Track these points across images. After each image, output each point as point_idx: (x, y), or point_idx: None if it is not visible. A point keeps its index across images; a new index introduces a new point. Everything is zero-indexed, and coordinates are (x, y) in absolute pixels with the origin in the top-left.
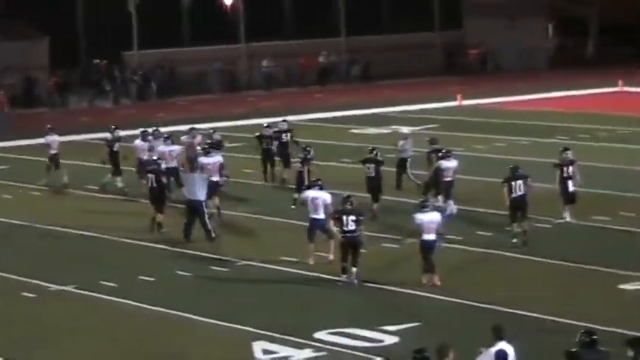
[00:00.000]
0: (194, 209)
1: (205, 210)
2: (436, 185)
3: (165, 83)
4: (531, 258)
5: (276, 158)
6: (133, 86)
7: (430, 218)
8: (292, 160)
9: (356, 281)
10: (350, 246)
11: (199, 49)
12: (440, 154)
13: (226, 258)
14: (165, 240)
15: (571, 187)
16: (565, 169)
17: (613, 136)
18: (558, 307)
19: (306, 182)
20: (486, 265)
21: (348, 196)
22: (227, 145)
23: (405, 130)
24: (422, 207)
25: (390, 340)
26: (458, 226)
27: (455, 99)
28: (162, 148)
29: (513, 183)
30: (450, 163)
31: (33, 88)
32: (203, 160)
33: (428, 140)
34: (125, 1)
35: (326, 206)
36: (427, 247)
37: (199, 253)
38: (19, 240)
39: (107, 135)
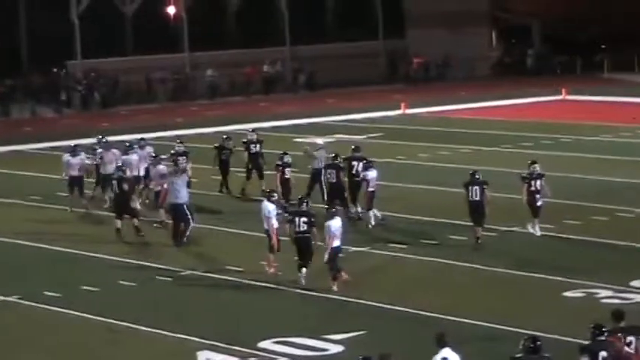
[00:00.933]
0: (178, 212)
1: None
2: (353, 194)
3: (108, 93)
4: (475, 266)
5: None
6: (76, 96)
7: (338, 225)
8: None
9: (304, 281)
10: (302, 246)
11: (143, 58)
12: (363, 162)
13: (170, 267)
14: (107, 250)
15: (539, 202)
16: (533, 182)
17: (556, 144)
18: (503, 314)
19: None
20: (432, 274)
21: (302, 198)
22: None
23: (320, 140)
24: (331, 215)
25: (335, 348)
26: (402, 235)
27: (399, 107)
28: (125, 157)
29: (471, 187)
30: (372, 173)
31: None
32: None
33: (352, 148)
34: (68, 10)
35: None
36: (336, 254)
37: (143, 263)
38: None
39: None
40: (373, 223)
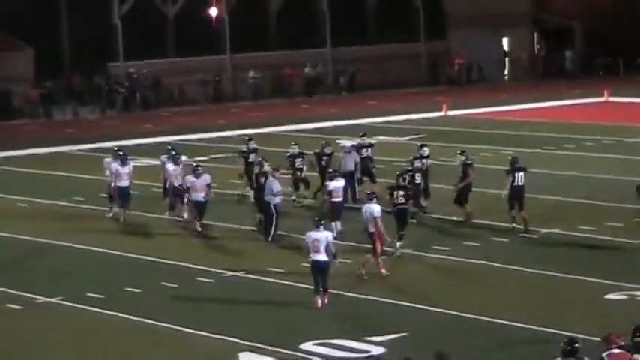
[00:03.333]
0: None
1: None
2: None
3: (150, 94)
4: (517, 267)
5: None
6: (118, 97)
7: (316, 236)
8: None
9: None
10: (400, 216)
11: (185, 60)
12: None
13: (211, 269)
14: (147, 252)
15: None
16: (517, 175)
17: (598, 146)
18: (545, 317)
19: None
20: (474, 276)
21: (400, 174)
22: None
23: (348, 143)
24: (316, 225)
25: (376, 350)
26: (445, 237)
27: (440, 109)
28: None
29: (516, 174)
30: (338, 183)
31: (10, 99)
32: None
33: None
34: (110, 13)
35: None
36: (315, 267)
37: (184, 264)
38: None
39: (241, 147)
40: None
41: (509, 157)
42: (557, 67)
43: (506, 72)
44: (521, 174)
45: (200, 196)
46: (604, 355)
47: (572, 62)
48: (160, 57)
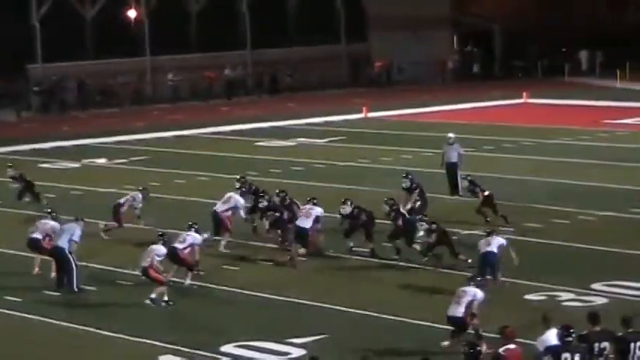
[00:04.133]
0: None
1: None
2: None
3: (70, 97)
4: (432, 268)
5: None
6: (36, 99)
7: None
8: None
9: None
10: None
11: (104, 62)
12: None
13: (131, 272)
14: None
15: None
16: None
17: (518, 148)
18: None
19: None
20: (392, 277)
21: None
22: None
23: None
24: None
25: (296, 352)
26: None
27: (361, 111)
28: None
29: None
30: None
31: None
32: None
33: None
34: (29, 14)
35: None
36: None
37: (104, 267)
38: None
39: None
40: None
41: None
42: (477, 69)
43: (426, 74)
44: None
45: None
46: (501, 350)
47: (493, 64)
48: (80, 59)
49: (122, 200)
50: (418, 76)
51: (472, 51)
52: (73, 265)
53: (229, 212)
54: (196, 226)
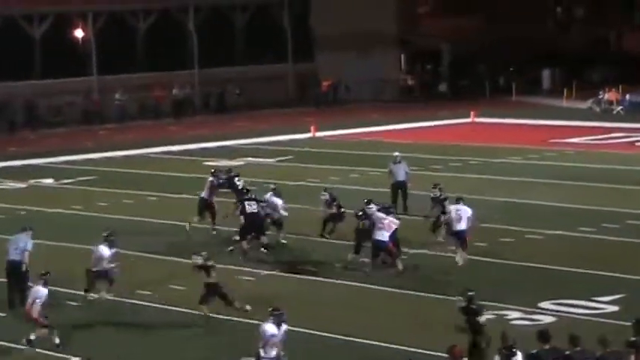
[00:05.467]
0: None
1: None
2: None
3: (17, 117)
4: (386, 289)
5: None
6: None
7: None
8: None
9: None
10: None
11: (52, 82)
12: None
13: (79, 292)
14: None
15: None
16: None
17: (465, 167)
18: (413, 336)
19: None
20: (340, 295)
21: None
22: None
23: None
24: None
25: None
26: (312, 257)
27: (308, 130)
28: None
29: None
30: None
31: None
32: None
33: None
34: None
35: None
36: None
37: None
38: None
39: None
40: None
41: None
42: (424, 88)
43: (374, 93)
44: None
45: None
46: None
47: (441, 84)
48: (28, 78)
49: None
50: (365, 95)
51: (437, 70)
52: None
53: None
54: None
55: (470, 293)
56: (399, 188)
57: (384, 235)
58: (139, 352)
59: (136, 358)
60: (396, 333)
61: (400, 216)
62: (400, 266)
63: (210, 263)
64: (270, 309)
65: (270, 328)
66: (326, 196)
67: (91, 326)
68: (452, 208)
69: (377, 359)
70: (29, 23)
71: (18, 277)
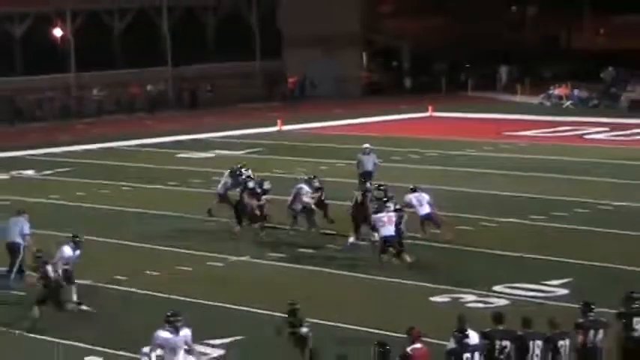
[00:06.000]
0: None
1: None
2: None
3: None
4: (351, 274)
5: None
6: None
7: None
8: None
9: None
10: None
11: (32, 79)
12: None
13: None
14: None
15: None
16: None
17: (423, 159)
18: (375, 318)
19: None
20: (308, 282)
21: None
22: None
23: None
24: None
25: (215, 353)
26: (282, 245)
27: (275, 124)
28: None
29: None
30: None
31: None
32: None
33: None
34: None
35: None
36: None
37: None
38: None
39: None
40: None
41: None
42: (385, 84)
43: (338, 89)
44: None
45: None
46: (408, 349)
47: (401, 80)
48: (9, 75)
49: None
50: (329, 91)
51: (400, 66)
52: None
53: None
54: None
55: (294, 306)
56: (366, 178)
57: (390, 230)
58: (113, 334)
59: (110, 340)
60: (364, 316)
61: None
62: (409, 258)
63: None
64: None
65: (163, 334)
66: (316, 183)
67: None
68: (411, 197)
69: (343, 340)
70: (10, 22)
71: (15, 257)
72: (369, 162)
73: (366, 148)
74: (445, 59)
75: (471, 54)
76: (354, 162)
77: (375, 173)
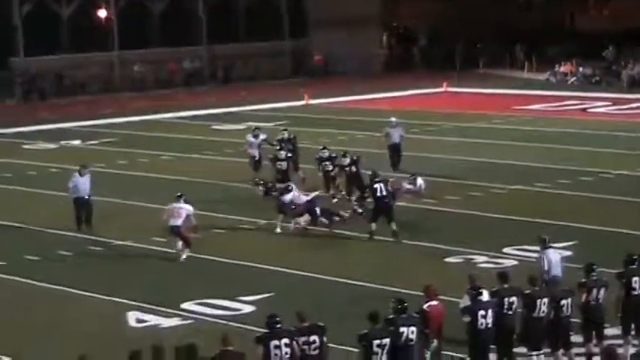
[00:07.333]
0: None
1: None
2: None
3: (48, 86)
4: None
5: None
6: (19, 89)
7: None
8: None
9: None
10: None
11: (78, 56)
12: None
13: (102, 239)
14: (47, 224)
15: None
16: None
17: (439, 130)
18: (392, 277)
19: None
20: (333, 244)
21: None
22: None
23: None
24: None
25: (247, 309)
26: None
27: (302, 99)
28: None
29: (376, 186)
30: None
31: None
32: None
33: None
34: (11, 14)
35: None
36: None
37: (77, 235)
38: None
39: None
40: None
41: (369, 172)
42: (403, 62)
43: (360, 66)
44: (381, 185)
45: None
46: (424, 306)
47: (418, 58)
48: (57, 53)
49: None
50: (352, 68)
51: (417, 45)
52: None
53: None
54: (184, 196)
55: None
56: (394, 150)
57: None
58: (154, 291)
59: (150, 297)
60: (383, 275)
61: (394, 174)
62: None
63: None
64: None
65: None
66: (325, 153)
67: (113, 268)
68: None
69: (364, 297)
70: (58, 4)
71: (85, 206)
72: (396, 134)
73: (393, 121)
74: (459, 39)
75: (482, 34)
76: (377, 134)
77: (403, 145)
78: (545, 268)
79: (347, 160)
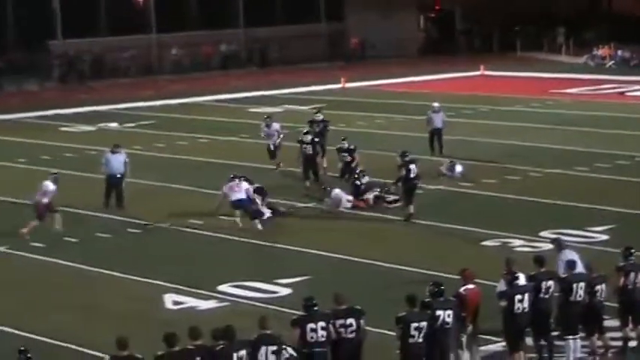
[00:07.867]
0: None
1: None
2: None
3: (86, 69)
4: (413, 221)
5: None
6: (57, 71)
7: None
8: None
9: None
10: None
11: (116, 39)
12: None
13: (140, 221)
14: (83, 205)
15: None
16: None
17: (476, 114)
18: (431, 261)
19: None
20: (370, 227)
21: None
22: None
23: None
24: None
25: (284, 291)
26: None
27: (339, 82)
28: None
29: (411, 167)
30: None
31: None
32: None
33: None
34: None
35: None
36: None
37: (114, 217)
38: None
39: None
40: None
41: (399, 151)
42: (440, 45)
43: (396, 49)
44: (414, 165)
45: None
46: (461, 289)
47: (455, 41)
48: (95, 36)
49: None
50: (388, 51)
51: (455, 28)
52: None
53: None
54: (244, 177)
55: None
56: (435, 134)
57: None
58: (191, 273)
59: (187, 279)
60: (420, 258)
61: (436, 158)
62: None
63: None
64: None
65: None
66: (345, 144)
67: (150, 251)
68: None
69: (403, 280)
70: None
71: (117, 185)
72: (439, 119)
73: (436, 106)
74: (496, 22)
75: (520, 18)
76: (409, 117)
77: (445, 129)
78: (562, 270)
79: (345, 145)
